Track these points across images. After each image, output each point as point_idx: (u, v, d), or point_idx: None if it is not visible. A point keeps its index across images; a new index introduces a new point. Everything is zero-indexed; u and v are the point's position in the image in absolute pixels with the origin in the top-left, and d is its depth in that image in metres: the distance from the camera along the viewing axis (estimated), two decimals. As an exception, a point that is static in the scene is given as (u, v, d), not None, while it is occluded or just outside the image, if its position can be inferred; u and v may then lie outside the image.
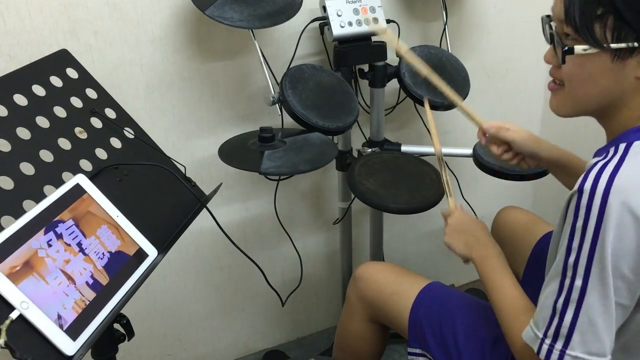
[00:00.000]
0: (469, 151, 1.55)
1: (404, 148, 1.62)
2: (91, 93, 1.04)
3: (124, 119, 1.07)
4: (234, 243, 1.10)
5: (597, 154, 0.86)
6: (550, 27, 0.86)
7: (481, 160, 1.48)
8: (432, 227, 2.02)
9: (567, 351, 0.80)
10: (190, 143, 1.55)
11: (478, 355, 1.05)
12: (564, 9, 0.81)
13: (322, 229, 1.83)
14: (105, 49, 1.37)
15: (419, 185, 1.40)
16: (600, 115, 0.89)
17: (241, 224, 1.70)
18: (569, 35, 0.82)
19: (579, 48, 0.80)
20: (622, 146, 0.81)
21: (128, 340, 1.01)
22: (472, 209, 1.89)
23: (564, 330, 0.80)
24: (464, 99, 1.56)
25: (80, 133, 0.98)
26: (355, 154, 1.64)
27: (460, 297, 1.16)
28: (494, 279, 1.02)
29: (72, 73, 1.02)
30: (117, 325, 0.99)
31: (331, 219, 1.79)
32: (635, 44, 0.77)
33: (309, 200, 1.78)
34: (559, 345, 0.81)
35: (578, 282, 0.79)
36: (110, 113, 1.05)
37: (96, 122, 1.01)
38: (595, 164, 0.79)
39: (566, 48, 0.81)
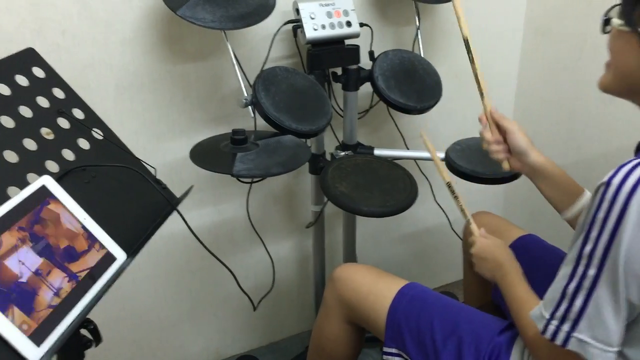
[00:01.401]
0: (442, 155, 1.56)
1: (377, 152, 1.62)
2: (58, 93, 1.01)
3: (93, 119, 1.05)
4: (205, 247, 1.08)
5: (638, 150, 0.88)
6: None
7: (453, 164, 1.49)
8: (405, 230, 2.02)
9: (574, 333, 0.83)
10: (161, 145, 1.52)
11: (455, 355, 1.06)
12: None
13: (295, 233, 1.82)
14: (73, 48, 1.34)
15: (392, 189, 1.40)
16: (638, 101, 0.91)
17: (213, 227, 1.68)
18: (616, 14, 0.86)
19: (615, 21, 0.86)
20: None
21: (95, 346, 0.98)
22: (444, 213, 1.90)
23: (572, 315, 0.83)
24: (437, 102, 1.57)
25: (47, 134, 0.96)
26: (328, 157, 1.64)
27: (438, 297, 1.17)
28: (511, 291, 1.05)
29: (38, 72, 1.00)
30: (84, 331, 0.96)
31: (304, 222, 1.79)
32: None
33: (282, 203, 1.77)
34: (565, 327, 0.84)
35: (591, 272, 0.80)
36: (78, 113, 1.03)
37: (63, 123, 0.99)
38: (631, 160, 0.80)
39: (606, 17, 0.87)
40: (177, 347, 1.78)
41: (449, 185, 1.27)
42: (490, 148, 1.23)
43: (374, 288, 1.20)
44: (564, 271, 0.85)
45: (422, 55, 1.65)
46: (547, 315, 0.86)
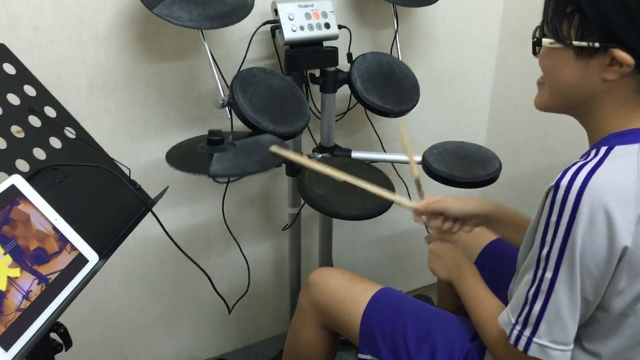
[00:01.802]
0: (419, 158, 1.56)
1: (354, 154, 1.62)
2: (30, 90, 0.99)
3: (65, 118, 1.02)
4: (180, 249, 1.06)
5: (582, 156, 0.88)
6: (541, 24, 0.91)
7: (430, 168, 1.50)
8: (381, 234, 2.02)
9: (534, 339, 0.84)
10: (136, 146, 1.50)
11: (428, 360, 1.05)
12: (544, 6, 0.86)
13: (271, 236, 1.81)
14: (46, 45, 1.31)
15: (369, 192, 1.39)
16: (578, 114, 0.91)
17: (188, 229, 1.66)
18: (544, 33, 0.87)
19: (546, 41, 0.86)
20: (603, 149, 0.83)
21: (65, 350, 0.96)
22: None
23: (532, 319, 0.84)
24: (414, 106, 1.57)
25: (18, 132, 0.93)
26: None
27: (412, 302, 1.17)
28: (469, 291, 1.06)
29: (9, 69, 0.97)
30: (53, 335, 0.94)
31: (280, 225, 1.77)
32: (597, 45, 0.80)
33: (258, 206, 1.75)
34: (527, 332, 0.85)
35: (548, 275, 0.81)
36: (50, 112, 1.00)
37: (35, 121, 0.96)
38: (575, 163, 0.81)
39: (535, 39, 0.87)
40: (150, 351, 1.75)
41: (417, 182, 1.28)
42: (445, 230, 1.23)
43: (349, 293, 1.19)
44: (527, 277, 0.86)
45: (400, 58, 1.65)
46: (513, 320, 0.87)
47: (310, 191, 1.35)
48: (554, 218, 0.80)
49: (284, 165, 1.61)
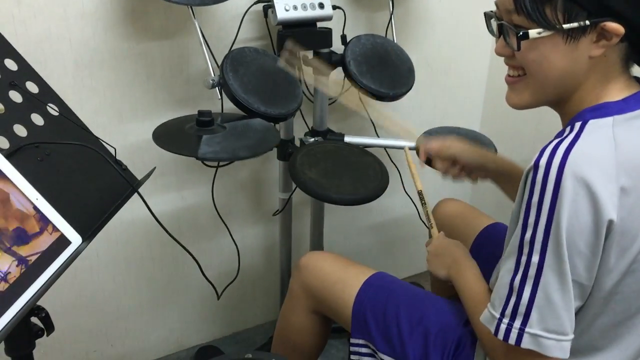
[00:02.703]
0: (413, 144, 1.53)
1: (347, 139, 1.58)
2: (10, 64, 0.94)
3: (48, 94, 0.98)
4: (168, 233, 1.03)
5: (556, 135, 0.86)
6: (498, 19, 0.86)
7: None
8: (374, 221, 2.00)
9: (526, 329, 0.80)
10: (123, 126, 1.46)
11: (421, 345, 1.03)
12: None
13: (261, 221, 1.78)
14: (29, 20, 1.27)
15: (363, 176, 1.36)
16: (557, 102, 0.89)
17: (176, 213, 1.62)
18: (519, 25, 0.82)
19: (533, 32, 0.81)
20: (577, 125, 0.82)
21: (47, 335, 0.93)
22: (413, 203, 1.87)
23: (522, 308, 0.80)
24: (409, 90, 1.54)
25: (-3, 107, 0.89)
26: (297, 143, 1.59)
27: (405, 287, 1.14)
28: (467, 288, 1.02)
29: (-12, 41, 0.93)
30: (35, 319, 0.91)
31: (271, 210, 1.74)
32: (587, 22, 0.78)
33: (248, 190, 1.72)
34: (517, 323, 0.81)
35: (535, 259, 0.78)
36: (32, 87, 0.96)
37: (15, 96, 0.92)
38: (551, 142, 0.79)
39: (521, 34, 0.81)
40: (136, 337, 1.72)
41: (420, 194, 1.27)
42: (448, 174, 1.24)
43: (341, 277, 1.16)
44: (508, 265, 0.83)
45: (395, 41, 1.61)
46: (497, 315, 0.83)
47: (301, 174, 1.32)
48: (535, 199, 0.78)
49: (275, 150, 1.57)
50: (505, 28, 0.84)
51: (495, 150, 1.50)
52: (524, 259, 0.80)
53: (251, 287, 1.85)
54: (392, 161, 1.79)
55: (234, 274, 1.69)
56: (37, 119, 0.93)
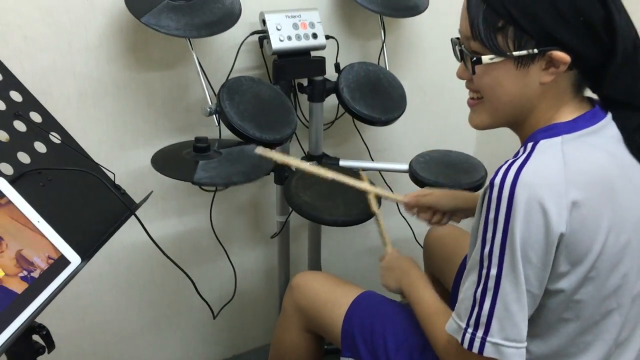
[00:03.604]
0: (405, 167, 1.58)
1: (342, 162, 1.63)
2: (15, 96, 1.00)
3: (51, 123, 1.04)
4: (164, 253, 1.08)
5: (513, 156, 0.91)
6: (460, 44, 0.92)
7: (417, 176, 1.51)
8: (371, 243, 2.03)
9: (488, 338, 0.84)
10: (125, 154, 1.51)
11: (406, 362, 1.06)
12: (469, 25, 0.87)
13: (261, 244, 1.82)
14: (35, 54, 1.33)
15: (356, 198, 1.41)
16: (514, 124, 0.94)
17: (177, 238, 1.67)
18: (475, 50, 0.88)
19: (485, 58, 0.87)
20: (529, 145, 0.87)
21: (48, 353, 0.97)
22: (409, 225, 1.91)
23: (484, 318, 0.84)
24: (401, 115, 1.59)
25: (2, 136, 0.94)
26: (293, 168, 1.64)
27: (393, 305, 1.18)
28: (416, 295, 1.08)
29: (-5, 75, 0.99)
30: (36, 337, 0.95)
31: (269, 233, 1.78)
32: (535, 51, 0.83)
33: (247, 214, 1.76)
34: (479, 333, 0.85)
35: (493, 271, 0.83)
36: (35, 117, 1.02)
37: (20, 126, 0.98)
38: (507, 161, 0.85)
39: (474, 59, 0.87)
40: (138, 359, 1.75)
41: (374, 215, 1.34)
42: (434, 223, 1.31)
43: (331, 296, 1.20)
44: (471, 278, 0.87)
45: (387, 68, 1.67)
46: (463, 325, 0.87)
47: (296, 197, 1.37)
48: (491, 215, 0.82)
49: (272, 174, 1.62)
50: (464, 53, 0.91)
51: (486, 173, 1.54)
52: (484, 272, 0.84)
53: (251, 309, 1.89)
54: (387, 184, 1.84)
55: (232, 295, 1.72)
56: (40, 147, 0.99)
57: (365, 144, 1.80)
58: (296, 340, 1.26)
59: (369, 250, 2.04)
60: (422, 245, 1.58)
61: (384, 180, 1.83)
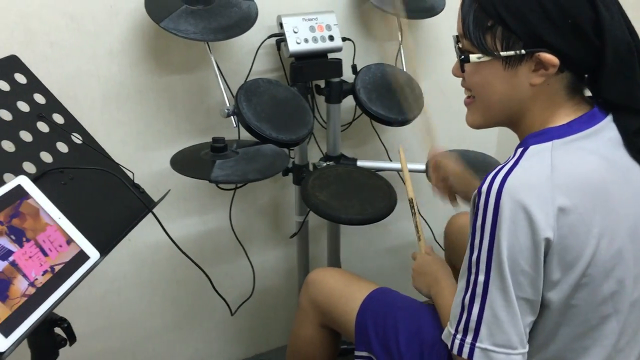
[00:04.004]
0: (423, 167, 1.59)
1: (359, 163, 1.65)
2: (39, 98, 1.05)
3: (72, 124, 1.08)
4: (182, 251, 1.10)
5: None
6: (458, 41, 0.93)
7: (433, 175, 1.52)
8: (391, 243, 2.04)
9: (477, 344, 0.84)
10: (147, 155, 1.55)
11: (417, 357, 1.07)
12: (461, 24, 0.89)
13: (281, 244, 1.84)
14: (61, 60, 1.38)
15: (371, 198, 1.42)
16: (510, 124, 0.95)
17: (198, 238, 1.71)
18: (467, 49, 0.89)
19: (473, 57, 0.88)
20: (519, 151, 0.87)
21: (70, 345, 1.00)
22: (428, 226, 1.91)
23: (472, 324, 0.85)
24: (418, 115, 1.60)
25: (26, 137, 0.99)
26: (311, 168, 1.66)
27: (406, 300, 1.19)
28: (443, 304, 1.08)
29: (20, 78, 1.03)
30: (58, 330, 0.98)
31: (289, 233, 1.80)
32: (523, 52, 0.84)
33: (267, 215, 1.79)
34: (469, 338, 0.85)
35: (481, 278, 0.83)
36: (58, 118, 1.06)
37: (43, 127, 1.02)
38: (495, 168, 0.85)
39: (462, 57, 0.89)
40: (162, 357, 1.79)
41: (410, 202, 1.33)
42: (436, 189, 1.33)
43: (345, 291, 1.22)
44: (460, 284, 0.88)
45: (404, 69, 1.68)
46: (452, 331, 0.88)
47: (312, 197, 1.39)
48: (479, 222, 0.83)
49: (290, 175, 1.65)
50: (457, 51, 0.92)
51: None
52: (472, 278, 0.85)
53: (272, 309, 1.91)
54: (404, 184, 1.84)
55: (252, 293, 1.75)
56: (62, 147, 1.03)
57: (383, 145, 1.82)
58: (312, 336, 1.28)
59: (389, 249, 2.04)
60: (442, 245, 1.59)
61: (402, 181, 1.83)
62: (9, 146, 0.94)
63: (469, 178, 1.27)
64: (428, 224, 1.91)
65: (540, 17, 0.82)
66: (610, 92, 0.87)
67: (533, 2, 0.82)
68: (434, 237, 1.92)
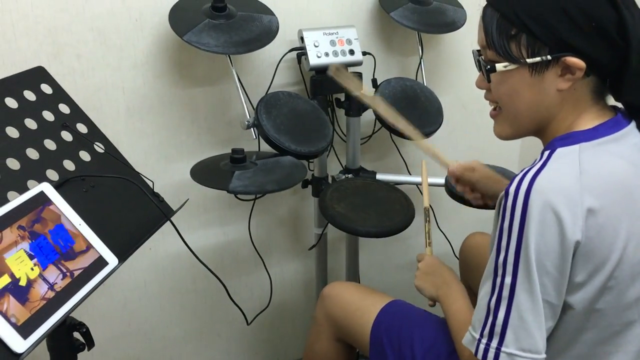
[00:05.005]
0: (442, 181, 1.59)
1: (379, 176, 1.65)
2: (64, 108, 1.08)
3: (95, 134, 1.11)
4: (196, 256, 1.12)
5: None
6: (479, 55, 0.93)
7: (452, 190, 1.51)
8: (410, 258, 2.01)
9: (502, 348, 0.83)
10: (170, 166, 1.58)
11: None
12: (484, 35, 0.88)
13: (300, 256, 1.85)
14: (87, 72, 1.42)
15: (389, 210, 1.43)
16: (537, 132, 0.94)
17: (218, 248, 1.72)
18: (491, 59, 0.89)
19: (499, 66, 0.88)
20: (546, 153, 0.87)
21: (88, 350, 1.02)
22: (447, 240, 1.91)
23: (498, 328, 0.83)
24: (437, 128, 1.60)
25: (50, 145, 1.02)
26: (330, 180, 1.67)
27: (421, 313, 1.19)
28: (454, 308, 1.07)
29: (46, 89, 1.07)
30: (76, 334, 1.01)
31: (308, 245, 1.81)
32: (549, 57, 0.84)
33: (287, 226, 1.80)
34: (494, 343, 0.84)
35: (508, 280, 0.82)
36: (81, 128, 1.09)
37: (66, 136, 1.05)
38: (522, 170, 0.85)
39: (488, 67, 0.89)
40: (181, 367, 1.81)
41: (425, 210, 1.33)
42: (467, 197, 1.31)
43: (360, 305, 1.22)
44: (485, 287, 0.87)
45: (425, 84, 1.69)
46: (477, 336, 0.86)
47: (330, 209, 1.40)
48: (506, 224, 0.82)
49: (310, 187, 1.66)
50: (481, 63, 0.92)
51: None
52: (498, 280, 0.84)
53: (290, 321, 1.92)
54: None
55: (270, 304, 1.76)
56: (85, 156, 1.06)
57: (403, 158, 1.82)
58: (327, 350, 1.28)
59: (408, 264, 2.04)
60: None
61: (420, 194, 1.83)
62: (33, 154, 0.97)
63: (499, 179, 1.26)
64: (448, 239, 1.91)
65: (563, 21, 0.82)
66: (634, 94, 0.87)
67: (555, 7, 0.82)
68: (453, 251, 1.91)
